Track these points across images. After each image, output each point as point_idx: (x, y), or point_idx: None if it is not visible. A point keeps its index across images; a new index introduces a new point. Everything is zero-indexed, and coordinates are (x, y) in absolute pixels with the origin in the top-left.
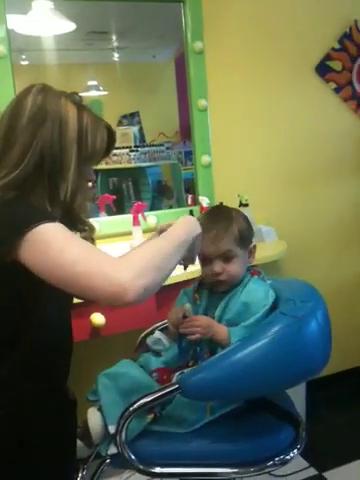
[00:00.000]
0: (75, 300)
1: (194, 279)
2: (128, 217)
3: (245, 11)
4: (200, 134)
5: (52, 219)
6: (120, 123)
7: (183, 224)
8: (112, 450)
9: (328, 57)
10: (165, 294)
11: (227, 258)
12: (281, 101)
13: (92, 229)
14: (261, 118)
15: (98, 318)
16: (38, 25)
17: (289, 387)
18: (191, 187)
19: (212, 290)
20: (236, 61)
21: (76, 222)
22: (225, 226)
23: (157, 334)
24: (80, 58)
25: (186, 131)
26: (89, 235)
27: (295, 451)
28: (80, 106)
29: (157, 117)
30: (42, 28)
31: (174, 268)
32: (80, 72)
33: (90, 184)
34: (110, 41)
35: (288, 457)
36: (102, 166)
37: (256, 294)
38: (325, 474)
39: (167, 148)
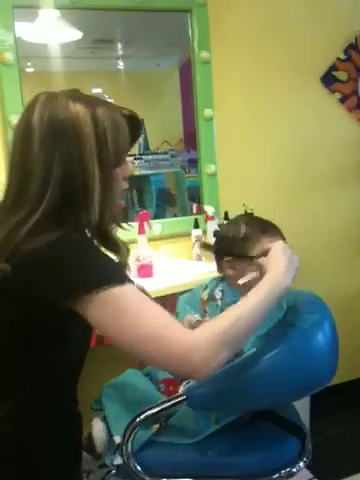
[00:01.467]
0: None
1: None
2: (133, 225)
3: (251, 21)
4: (206, 143)
5: (124, 278)
6: None
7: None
8: (118, 460)
9: (334, 67)
10: (169, 303)
11: None
12: (287, 111)
13: (127, 251)
14: (266, 128)
15: None
16: (45, 33)
17: (296, 399)
18: (195, 195)
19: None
20: (242, 71)
21: (109, 242)
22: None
23: None
24: (85, 66)
25: (190, 139)
26: (123, 259)
27: (301, 464)
28: (91, 104)
29: (161, 125)
30: (49, 36)
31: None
32: (85, 80)
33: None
34: (115, 49)
35: (294, 470)
36: None
37: None
38: None
39: (172, 156)
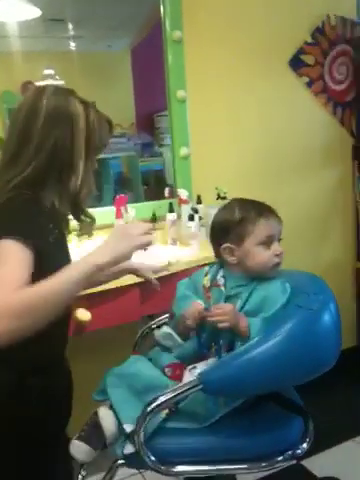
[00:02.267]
0: None
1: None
2: (105, 210)
3: (221, 2)
4: (178, 125)
5: (25, 240)
6: None
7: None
8: (128, 449)
9: (301, 51)
10: (149, 289)
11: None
12: (256, 94)
13: (93, 220)
14: (237, 110)
15: (83, 314)
16: (1, 10)
17: (305, 381)
18: (149, 180)
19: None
20: (212, 53)
21: (80, 213)
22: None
23: (166, 329)
24: (37, 46)
25: (143, 123)
26: (90, 227)
27: (305, 445)
28: (86, 104)
29: (112, 108)
30: (5, 13)
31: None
32: (37, 60)
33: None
34: (67, 29)
35: (299, 451)
36: None
37: (275, 285)
38: (303, 463)
39: (128, 139)
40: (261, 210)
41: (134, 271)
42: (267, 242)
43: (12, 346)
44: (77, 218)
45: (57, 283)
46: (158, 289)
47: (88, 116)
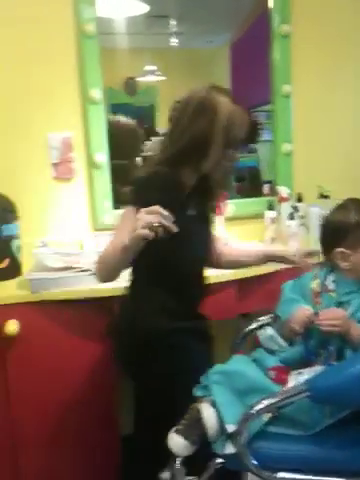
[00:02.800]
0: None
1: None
2: None
3: None
4: (282, 121)
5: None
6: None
7: None
8: (229, 449)
9: None
10: (246, 287)
11: None
12: None
13: (213, 209)
14: (343, 108)
15: None
16: (112, 7)
17: None
18: (245, 176)
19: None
20: (321, 47)
21: (208, 194)
22: None
23: (270, 331)
24: (139, 42)
25: None
26: (210, 203)
27: None
28: (232, 101)
29: None
30: (116, 10)
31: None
32: (139, 56)
33: (230, 165)
34: (169, 26)
35: None
36: None
37: None
38: None
39: None
40: None
41: (279, 259)
42: None
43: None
44: (200, 191)
45: (113, 247)
46: (310, 270)
47: (231, 113)
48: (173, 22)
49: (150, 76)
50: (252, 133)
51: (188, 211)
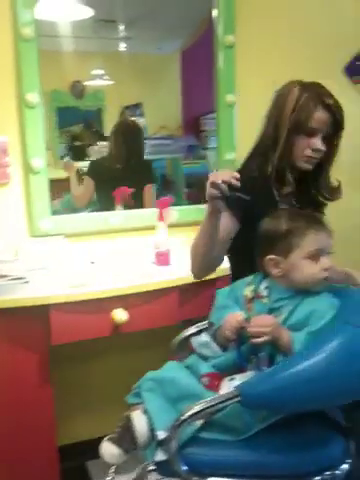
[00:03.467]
0: (97, 296)
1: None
2: (148, 211)
3: (275, 7)
4: (225, 130)
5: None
6: (123, 114)
7: None
8: (159, 457)
9: (358, 58)
10: (188, 293)
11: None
12: None
13: (288, 184)
14: None
15: (120, 314)
16: (55, 10)
17: (350, 400)
18: (192, 182)
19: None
20: (264, 58)
21: (279, 177)
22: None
23: (205, 337)
24: (87, 46)
25: (189, 125)
26: (283, 190)
27: (346, 466)
28: (305, 89)
29: (159, 110)
30: (59, 13)
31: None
32: (87, 60)
33: (308, 152)
34: (117, 30)
35: (338, 472)
36: None
37: (323, 299)
38: None
39: (174, 141)
40: (310, 222)
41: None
42: (315, 256)
43: None
44: (274, 180)
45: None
46: None
47: (298, 98)
48: (121, 27)
49: (98, 80)
50: (332, 113)
51: (280, 201)
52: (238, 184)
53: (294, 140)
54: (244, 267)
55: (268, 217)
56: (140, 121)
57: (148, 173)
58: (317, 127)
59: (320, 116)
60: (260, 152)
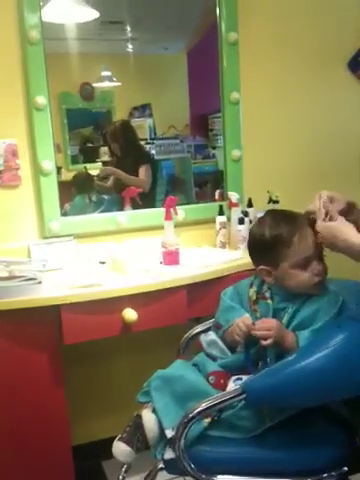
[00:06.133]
0: (107, 296)
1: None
2: (156, 211)
3: (279, 3)
4: (231, 127)
5: None
6: (131, 115)
7: None
8: (168, 455)
9: None
10: (196, 292)
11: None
12: (312, 97)
13: None
14: (291, 113)
15: (129, 313)
16: (61, 13)
17: (354, 395)
18: (201, 181)
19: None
20: (268, 54)
21: None
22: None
23: (212, 336)
24: (94, 48)
25: (197, 124)
26: None
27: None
28: None
29: (167, 110)
30: (65, 16)
31: None
32: (94, 62)
33: None
34: (124, 32)
35: (345, 467)
36: None
37: (326, 297)
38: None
39: (182, 141)
40: (295, 228)
41: None
42: (304, 263)
43: None
44: None
45: None
46: None
47: None
48: (127, 28)
49: (106, 82)
50: None
51: None
52: None
53: None
54: None
55: (256, 222)
56: (148, 121)
57: (140, 156)
58: None
59: None
60: None
